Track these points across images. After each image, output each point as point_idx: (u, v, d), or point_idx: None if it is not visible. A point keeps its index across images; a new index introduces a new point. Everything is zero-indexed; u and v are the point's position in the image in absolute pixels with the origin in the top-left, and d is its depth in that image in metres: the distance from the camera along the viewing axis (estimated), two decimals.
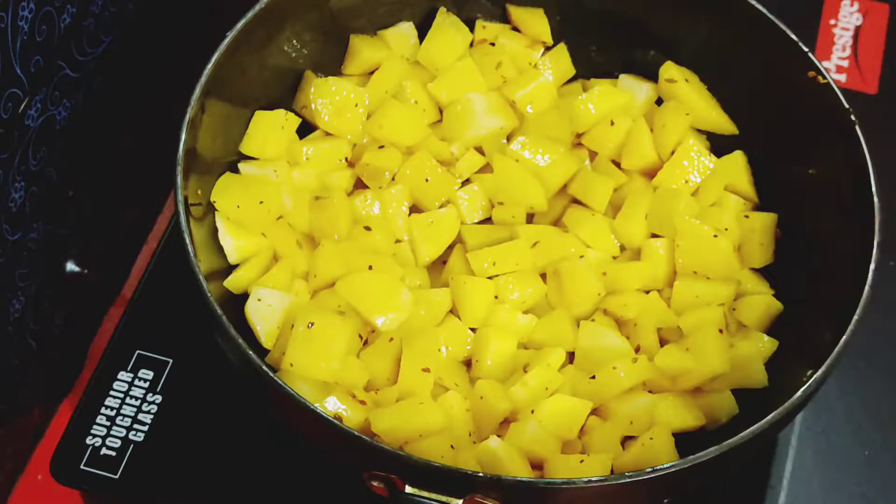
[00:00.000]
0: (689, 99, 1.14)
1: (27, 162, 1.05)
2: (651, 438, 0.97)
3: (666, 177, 1.11)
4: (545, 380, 1.01)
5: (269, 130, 1.09)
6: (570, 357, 1.05)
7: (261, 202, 1.04)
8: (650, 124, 1.14)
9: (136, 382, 1.09)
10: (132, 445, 1.06)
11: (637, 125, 1.13)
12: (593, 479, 0.87)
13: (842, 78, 1.39)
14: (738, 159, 1.12)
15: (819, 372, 0.92)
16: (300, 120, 1.12)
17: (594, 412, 1.01)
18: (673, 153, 1.11)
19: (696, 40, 1.15)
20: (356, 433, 0.87)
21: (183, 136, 0.98)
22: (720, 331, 1.02)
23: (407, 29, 1.17)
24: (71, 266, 1.22)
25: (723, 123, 1.15)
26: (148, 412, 1.07)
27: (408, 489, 0.87)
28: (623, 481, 0.87)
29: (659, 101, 1.17)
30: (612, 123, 1.14)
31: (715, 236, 1.06)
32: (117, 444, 1.05)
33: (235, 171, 1.07)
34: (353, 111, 1.12)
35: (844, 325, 0.94)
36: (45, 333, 1.19)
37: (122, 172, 1.28)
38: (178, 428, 1.07)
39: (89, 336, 1.29)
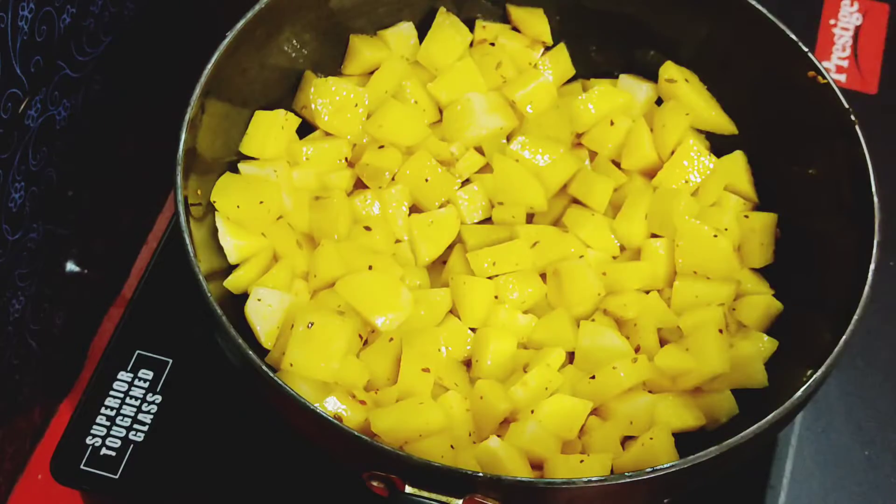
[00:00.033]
0: (689, 99, 1.14)
1: (27, 162, 1.05)
2: (651, 438, 0.97)
3: (666, 177, 1.11)
4: (545, 380, 1.01)
5: (269, 130, 1.09)
6: (570, 357, 1.05)
7: (261, 202, 1.04)
8: (650, 124, 1.14)
9: (136, 382, 1.09)
10: (132, 445, 1.06)
11: (637, 125, 1.13)
12: (593, 479, 0.87)
13: (842, 78, 1.39)
14: (738, 159, 1.12)
15: (819, 372, 0.92)
16: (300, 120, 1.12)
17: (594, 412, 1.01)
18: (673, 153, 1.11)
19: (696, 40, 1.15)
20: (356, 433, 0.87)
21: (183, 136, 0.98)
22: (720, 331, 1.02)
23: (407, 29, 1.17)
24: (71, 266, 1.22)
25: (723, 123, 1.15)
26: (148, 412, 1.07)
27: (408, 489, 0.87)
28: (623, 481, 0.87)
29: (659, 101, 1.17)
30: (612, 123, 1.14)
31: (715, 236, 1.06)
32: (117, 444, 1.05)
33: (235, 171, 1.07)
34: (353, 111, 1.12)
35: (844, 325, 0.94)
36: (45, 333, 1.19)
37: (122, 172, 1.28)
38: (178, 428, 1.07)
39: (89, 336, 1.29)
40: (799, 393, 0.92)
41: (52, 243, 1.15)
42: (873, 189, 1.00)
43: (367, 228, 1.07)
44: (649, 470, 0.87)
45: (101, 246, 1.28)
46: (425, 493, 0.87)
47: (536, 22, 1.18)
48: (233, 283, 1.03)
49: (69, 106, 1.10)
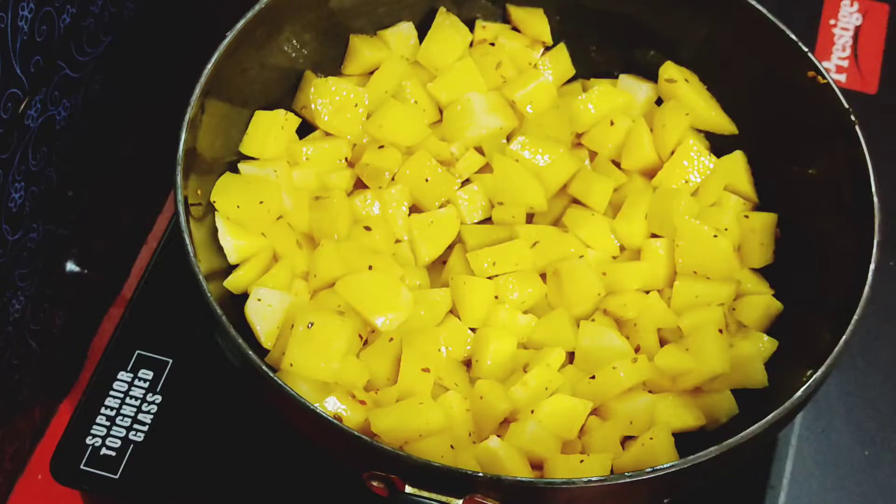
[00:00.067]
0: (689, 99, 1.14)
1: (27, 162, 1.05)
2: (651, 438, 0.97)
3: (666, 177, 1.11)
4: (545, 380, 1.01)
5: (269, 130, 1.09)
6: (570, 357, 1.05)
7: (261, 202, 1.04)
8: (650, 124, 1.13)
9: (136, 382, 1.09)
10: (132, 445, 1.06)
11: (637, 125, 1.13)
12: (593, 479, 0.87)
13: (842, 78, 1.39)
14: (738, 159, 1.12)
15: (819, 372, 0.92)
16: (300, 120, 1.12)
17: (594, 412, 1.01)
18: (673, 153, 1.11)
19: (696, 40, 1.15)
20: (356, 433, 0.87)
21: (183, 136, 0.98)
22: (720, 331, 1.02)
23: (407, 29, 1.17)
24: (71, 266, 1.22)
25: (723, 123, 1.15)
26: (148, 412, 1.07)
27: (408, 489, 0.87)
28: (623, 481, 0.87)
29: (659, 101, 1.17)
30: (612, 123, 1.14)
31: (715, 236, 1.06)
32: (117, 444, 1.05)
33: (235, 171, 1.07)
34: (353, 111, 1.12)
35: (844, 325, 0.94)
36: (45, 333, 1.19)
37: (122, 172, 1.28)
38: (178, 428, 1.07)
39: (89, 336, 1.29)
40: (799, 393, 0.92)
41: (52, 243, 1.15)
42: (873, 189, 1.00)
43: (367, 228, 1.07)
44: (649, 470, 0.87)
45: (101, 246, 1.28)
46: (425, 493, 0.87)
47: (536, 22, 1.18)
48: (233, 283, 1.03)
49: (69, 106, 1.10)
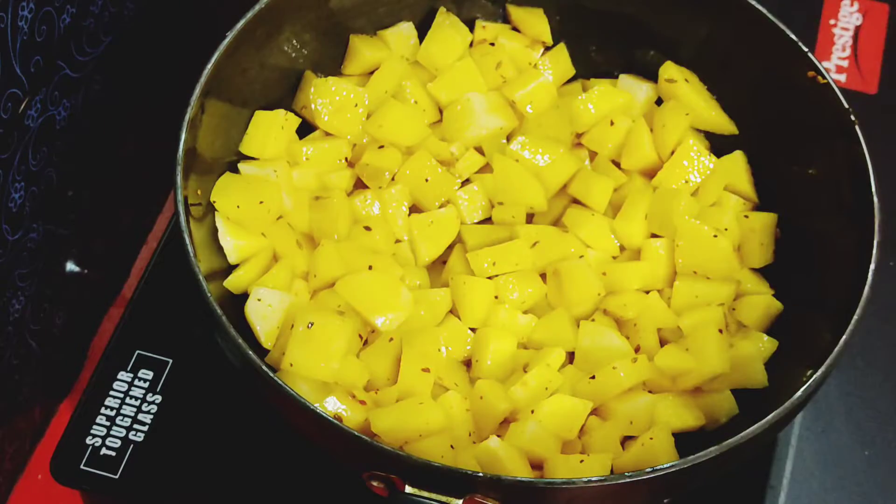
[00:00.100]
0: (689, 99, 1.14)
1: (27, 162, 1.05)
2: (651, 438, 0.97)
3: (666, 177, 1.11)
4: (545, 380, 1.01)
5: (269, 130, 1.09)
6: (570, 357, 1.05)
7: (261, 202, 1.04)
8: (650, 124, 1.13)
9: (136, 382, 1.09)
10: (132, 445, 1.06)
11: (637, 125, 1.13)
12: (593, 479, 0.87)
13: (842, 78, 1.39)
14: (738, 159, 1.12)
15: (819, 372, 0.92)
16: (300, 120, 1.12)
17: (594, 412, 1.01)
18: (673, 153, 1.11)
19: (696, 40, 1.15)
20: (356, 433, 0.87)
21: (183, 136, 0.98)
22: (720, 331, 1.02)
23: (407, 29, 1.17)
24: (71, 266, 1.22)
25: (723, 123, 1.15)
26: (148, 412, 1.07)
27: (408, 489, 0.87)
28: (623, 481, 0.87)
29: (659, 101, 1.17)
30: (612, 123, 1.14)
31: (715, 236, 1.06)
32: (117, 444, 1.05)
33: (235, 171, 1.07)
34: (353, 111, 1.12)
35: (844, 325, 0.94)
36: (45, 333, 1.19)
37: (122, 172, 1.28)
38: (178, 428, 1.07)
39: (89, 336, 1.29)
40: (799, 393, 0.92)
41: (52, 243, 1.15)
42: (873, 189, 1.00)
43: (367, 228, 1.07)
44: (649, 470, 0.87)
45: (101, 246, 1.28)
46: (425, 493, 0.87)
47: (536, 22, 1.18)
48: (233, 283, 1.03)
49: (69, 106, 1.10)
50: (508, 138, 1.14)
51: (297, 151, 1.10)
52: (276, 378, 0.89)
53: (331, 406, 0.97)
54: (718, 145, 1.14)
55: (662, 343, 1.05)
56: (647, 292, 1.07)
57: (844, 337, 0.94)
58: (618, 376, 1.00)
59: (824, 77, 1.05)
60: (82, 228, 1.21)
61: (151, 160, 1.23)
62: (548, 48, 1.19)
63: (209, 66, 1.01)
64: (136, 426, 1.07)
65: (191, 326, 1.07)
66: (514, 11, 1.19)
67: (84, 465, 1.04)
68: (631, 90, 1.17)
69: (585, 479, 0.87)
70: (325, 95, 1.11)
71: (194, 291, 0.93)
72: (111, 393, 1.08)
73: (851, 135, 1.02)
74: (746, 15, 1.09)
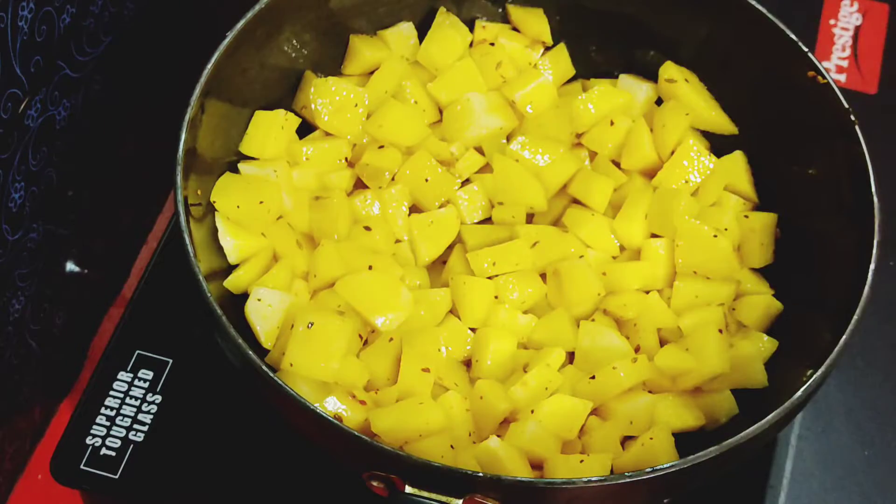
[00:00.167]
0: (689, 99, 1.14)
1: (27, 162, 1.05)
2: (651, 438, 0.97)
3: (666, 177, 1.11)
4: (545, 380, 1.01)
5: (269, 130, 1.09)
6: (570, 357, 1.05)
7: (261, 202, 1.04)
8: (650, 124, 1.13)
9: (136, 382, 1.09)
10: (132, 445, 1.06)
11: (637, 125, 1.13)
12: (593, 479, 0.87)
13: (842, 78, 1.39)
14: (738, 159, 1.12)
15: (819, 372, 0.92)
16: (300, 120, 1.12)
17: (594, 412, 1.01)
18: (673, 153, 1.11)
19: (696, 40, 1.15)
20: (356, 433, 0.87)
21: (183, 136, 0.98)
22: (720, 331, 1.02)
23: (407, 29, 1.17)
24: (71, 266, 1.22)
25: (723, 123, 1.15)
26: (148, 412, 1.07)
27: (408, 489, 0.87)
28: (623, 481, 0.87)
29: (659, 101, 1.17)
30: (612, 123, 1.14)
31: (715, 236, 1.06)
32: (117, 444, 1.05)
33: (235, 171, 1.07)
34: (353, 111, 1.12)
35: (844, 325, 0.94)
36: (45, 333, 1.19)
37: (122, 172, 1.28)
38: (177, 428, 1.07)
39: (89, 336, 1.29)
40: (799, 393, 0.92)
41: (52, 243, 1.15)
42: (873, 189, 1.00)
43: (367, 228, 1.07)
44: (649, 470, 0.87)
45: (101, 246, 1.28)
46: (425, 493, 0.87)
47: (536, 22, 1.18)
48: (233, 283, 1.03)
49: (69, 106, 1.10)
50: (508, 138, 1.14)
51: (297, 151, 1.10)
52: (276, 378, 0.89)
53: (331, 406, 0.97)
54: (718, 145, 1.14)
55: (662, 343, 1.05)
56: (647, 292, 1.07)
57: (844, 337, 0.94)
58: (618, 376, 1.00)
59: (824, 77, 1.05)
60: (82, 228, 1.21)
61: (151, 160, 1.23)
62: (548, 48, 1.19)
63: (209, 66, 1.01)
64: (136, 426, 1.07)
65: (191, 326, 1.07)
66: (514, 11, 1.19)
67: (84, 465, 1.04)
68: (631, 90, 1.17)
69: (585, 479, 0.87)
70: (325, 95, 1.11)
71: (194, 291, 0.93)
72: (111, 393, 1.08)
73: (851, 135, 1.02)
74: (746, 15, 1.09)
